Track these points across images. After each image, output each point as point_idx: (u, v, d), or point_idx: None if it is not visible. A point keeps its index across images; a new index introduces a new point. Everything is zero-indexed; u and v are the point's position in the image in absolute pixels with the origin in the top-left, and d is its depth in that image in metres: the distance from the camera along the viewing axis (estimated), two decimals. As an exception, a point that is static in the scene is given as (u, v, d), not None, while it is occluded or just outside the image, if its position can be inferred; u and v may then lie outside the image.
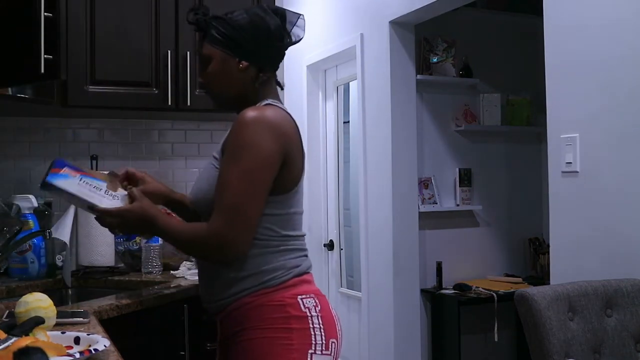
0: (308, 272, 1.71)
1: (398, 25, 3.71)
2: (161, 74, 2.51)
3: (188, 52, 2.54)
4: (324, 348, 1.62)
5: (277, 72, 1.77)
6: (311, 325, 1.61)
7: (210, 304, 1.71)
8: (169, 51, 2.51)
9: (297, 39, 1.75)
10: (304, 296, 1.64)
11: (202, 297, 1.76)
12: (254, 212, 1.57)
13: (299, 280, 1.66)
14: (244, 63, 1.67)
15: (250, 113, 1.58)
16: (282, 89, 1.81)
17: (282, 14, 1.72)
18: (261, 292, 1.62)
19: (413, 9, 3.50)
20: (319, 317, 1.63)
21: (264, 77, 1.70)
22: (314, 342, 1.61)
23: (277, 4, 2.75)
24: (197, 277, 2.34)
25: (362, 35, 3.95)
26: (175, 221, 1.69)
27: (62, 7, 2.34)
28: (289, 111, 1.71)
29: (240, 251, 1.58)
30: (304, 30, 1.75)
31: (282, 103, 1.73)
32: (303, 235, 1.74)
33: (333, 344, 1.64)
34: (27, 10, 2.08)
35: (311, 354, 1.60)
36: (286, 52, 1.76)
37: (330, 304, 1.73)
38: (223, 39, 1.66)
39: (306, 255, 1.74)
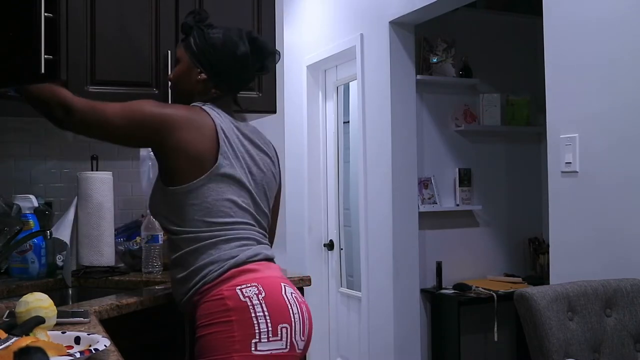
0: (250, 262, 1.73)
1: (398, 25, 3.71)
2: (161, 74, 2.51)
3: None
4: (270, 335, 1.62)
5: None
6: (253, 314, 1.63)
7: (178, 306, 1.85)
8: (169, 51, 2.51)
9: (266, 71, 1.94)
10: (243, 286, 1.67)
11: (174, 299, 1.89)
12: (102, 117, 1.73)
13: (237, 271, 1.69)
14: (203, 76, 1.84)
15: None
16: (239, 107, 1.96)
17: (260, 45, 1.86)
18: (203, 288, 1.70)
19: (413, 9, 3.50)
20: (262, 304, 1.64)
21: (214, 94, 1.85)
22: (257, 330, 1.62)
23: (277, 4, 2.74)
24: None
25: (362, 35, 3.95)
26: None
27: (62, 7, 2.34)
28: (215, 114, 1.80)
29: (71, 122, 1.74)
30: (273, 65, 1.96)
31: (217, 110, 1.83)
32: (243, 223, 1.77)
33: (284, 329, 1.65)
34: (27, 10, 2.08)
35: (255, 342, 1.61)
36: (251, 79, 1.95)
37: (286, 289, 1.73)
38: (195, 48, 1.84)
39: (249, 245, 1.76)
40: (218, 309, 1.66)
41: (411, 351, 3.79)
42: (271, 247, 1.97)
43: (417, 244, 3.81)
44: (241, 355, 1.61)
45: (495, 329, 3.68)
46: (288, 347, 1.65)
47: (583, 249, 2.37)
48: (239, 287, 1.66)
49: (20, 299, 1.40)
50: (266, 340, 1.62)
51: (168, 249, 1.86)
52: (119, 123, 1.73)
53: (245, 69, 1.86)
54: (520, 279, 4.01)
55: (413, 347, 3.80)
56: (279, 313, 1.65)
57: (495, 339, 3.71)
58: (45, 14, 1.95)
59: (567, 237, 2.45)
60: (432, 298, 3.92)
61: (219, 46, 1.82)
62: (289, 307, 1.69)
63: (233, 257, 1.71)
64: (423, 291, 3.90)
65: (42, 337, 1.22)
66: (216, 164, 1.74)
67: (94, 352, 1.19)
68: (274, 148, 2.03)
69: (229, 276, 1.69)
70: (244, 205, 1.78)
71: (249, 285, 1.67)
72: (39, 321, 1.28)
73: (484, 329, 3.93)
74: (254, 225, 1.81)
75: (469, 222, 4.15)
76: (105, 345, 1.23)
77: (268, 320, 1.63)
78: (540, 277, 3.98)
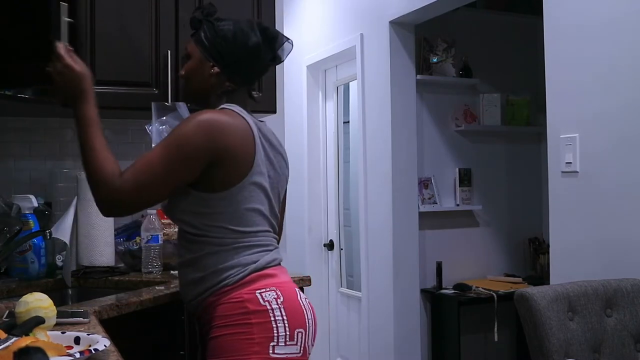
0: (269, 267, 1.74)
1: (398, 25, 3.71)
2: (161, 74, 2.51)
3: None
4: (288, 339, 1.65)
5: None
6: (272, 318, 1.64)
7: (188, 306, 1.83)
8: (169, 51, 2.51)
9: (279, 61, 1.89)
10: (263, 290, 1.68)
11: (183, 299, 1.87)
12: (152, 188, 1.64)
13: (257, 276, 1.70)
14: (215, 69, 1.79)
15: (200, 115, 1.69)
16: (254, 99, 1.94)
17: (271, 35, 1.83)
18: (221, 290, 1.70)
19: (413, 9, 3.50)
20: (281, 309, 1.66)
21: (229, 87, 1.81)
22: (276, 334, 1.64)
23: (277, 4, 2.74)
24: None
25: (362, 35, 3.95)
26: (105, 143, 1.71)
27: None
28: (246, 115, 1.77)
29: (118, 210, 1.68)
30: (287, 54, 1.88)
31: (244, 111, 1.80)
32: (264, 231, 1.77)
33: (299, 334, 1.67)
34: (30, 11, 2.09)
35: (273, 346, 1.63)
36: (264, 70, 1.89)
37: (300, 294, 1.76)
38: (205, 41, 1.79)
39: (268, 250, 1.76)
40: (238, 311, 1.66)
41: (411, 351, 3.79)
42: None
43: (417, 244, 3.81)
44: (259, 357, 1.62)
45: (495, 329, 3.67)
46: (301, 351, 1.68)
47: (583, 249, 2.37)
48: (259, 291, 1.67)
49: (20, 299, 1.40)
50: (283, 344, 1.64)
51: (180, 250, 1.82)
52: (170, 166, 1.65)
53: (258, 60, 1.82)
54: (520, 279, 4.01)
55: (413, 347, 3.80)
56: (296, 318, 1.68)
57: (495, 339, 3.71)
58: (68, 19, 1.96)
59: (567, 237, 2.45)
60: (432, 298, 3.92)
61: (230, 38, 1.78)
62: (305, 312, 1.71)
63: (254, 262, 1.71)
64: (423, 291, 3.89)
65: (42, 337, 1.22)
66: (251, 171, 1.71)
67: (93, 352, 1.19)
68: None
69: (249, 280, 1.69)
70: (265, 213, 1.78)
71: (268, 289, 1.68)
72: (38, 321, 1.28)
73: (484, 329, 3.93)
74: (270, 232, 1.81)
75: (469, 222, 4.15)
76: (105, 346, 1.23)
77: (286, 325, 1.65)
78: (540, 277, 3.98)
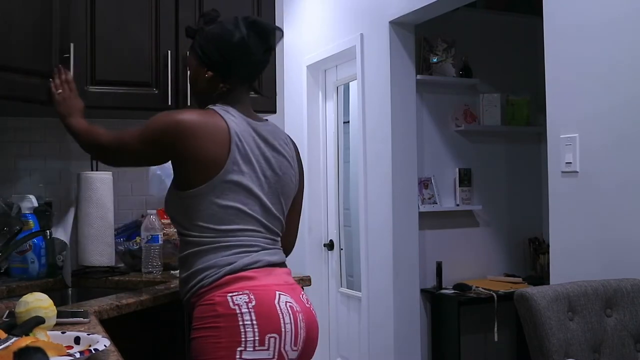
0: (248, 269, 1.71)
1: (398, 25, 3.71)
2: (161, 74, 2.51)
3: (188, 52, 2.53)
4: (257, 344, 1.61)
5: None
6: (241, 322, 1.62)
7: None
8: (169, 51, 2.51)
9: (272, 51, 1.89)
10: (234, 293, 1.66)
11: None
12: (124, 151, 1.91)
13: (232, 278, 1.69)
14: (209, 73, 1.84)
15: (170, 115, 1.81)
16: (258, 94, 2.04)
17: (260, 26, 1.82)
18: (199, 292, 1.72)
19: (413, 9, 3.50)
20: (251, 313, 1.63)
21: (223, 89, 1.84)
22: (243, 339, 1.61)
23: (277, 4, 2.74)
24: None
25: (362, 35, 3.95)
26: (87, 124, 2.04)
27: (67, 6, 2.34)
28: (228, 117, 1.78)
29: (102, 158, 2.05)
30: (277, 41, 1.90)
31: (242, 112, 1.83)
32: (247, 230, 1.76)
33: (272, 339, 1.63)
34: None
35: (240, 350, 1.61)
36: (262, 62, 1.88)
37: (281, 298, 1.70)
38: (198, 50, 1.85)
39: (249, 252, 1.74)
40: (209, 313, 1.67)
41: (411, 351, 3.79)
42: (292, 249, 2.02)
43: (417, 244, 3.81)
44: None
45: (495, 329, 3.67)
46: (276, 356, 1.64)
47: (583, 248, 2.37)
48: (230, 294, 1.66)
49: (20, 299, 1.40)
50: (252, 349, 1.61)
51: (178, 249, 1.90)
52: (139, 147, 1.83)
53: (248, 55, 1.81)
54: (520, 279, 4.01)
55: (413, 347, 3.80)
56: (268, 322, 1.64)
57: (495, 339, 3.71)
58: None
59: (567, 237, 2.45)
60: (432, 298, 3.92)
61: (215, 40, 1.81)
62: (281, 316, 1.66)
63: (230, 264, 1.71)
64: (423, 291, 3.89)
65: (42, 337, 1.22)
66: (223, 170, 1.73)
67: (93, 352, 1.19)
68: (295, 147, 2.01)
69: (223, 282, 1.69)
70: (250, 212, 1.77)
71: (241, 293, 1.67)
72: (38, 321, 1.28)
73: (484, 329, 3.93)
74: (260, 232, 1.79)
75: (469, 222, 4.15)
76: (105, 345, 1.23)
77: (255, 330, 1.62)
78: (540, 277, 3.98)
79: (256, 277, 1.72)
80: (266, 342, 1.63)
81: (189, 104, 2.55)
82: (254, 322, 1.63)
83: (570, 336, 1.91)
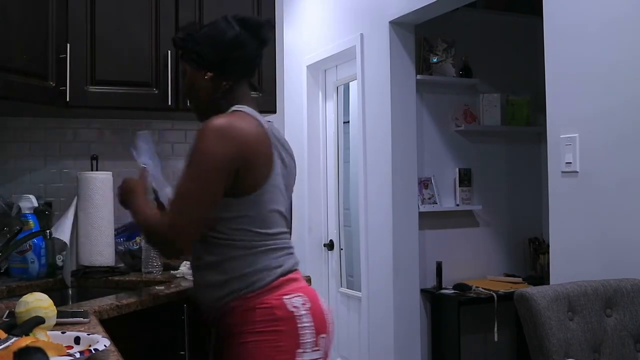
0: (293, 270, 1.72)
1: (398, 25, 3.71)
2: (161, 74, 2.51)
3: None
4: (313, 345, 1.62)
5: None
6: (299, 325, 1.62)
7: (205, 308, 1.78)
8: (169, 51, 2.51)
9: (266, 44, 1.86)
10: (290, 296, 1.65)
11: (198, 301, 1.82)
12: (198, 211, 1.65)
13: (284, 280, 1.67)
14: (208, 74, 1.79)
15: (212, 121, 1.68)
16: (256, 90, 1.96)
17: (251, 22, 1.82)
18: (248, 295, 1.66)
19: (413, 9, 3.50)
20: (308, 315, 1.64)
21: (227, 86, 1.80)
22: (302, 341, 1.62)
23: (277, 4, 2.74)
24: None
25: (362, 35, 3.95)
26: (148, 207, 1.81)
27: (63, 7, 2.34)
28: (257, 116, 1.77)
29: (183, 245, 1.67)
30: (272, 35, 1.93)
31: (252, 108, 1.80)
32: (284, 233, 1.76)
33: (323, 339, 1.65)
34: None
35: (300, 353, 1.61)
36: (257, 56, 1.86)
37: (319, 297, 1.74)
38: (190, 54, 1.81)
39: (291, 253, 1.75)
40: (265, 317, 1.63)
41: (411, 351, 3.79)
42: None
43: (417, 244, 3.81)
44: None
45: (495, 329, 3.67)
46: (323, 356, 1.67)
47: (583, 248, 2.37)
48: (286, 297, 1.65)
49: (20, 299, 1.40)
50: (310, 350, 1.62)
51: (199, 252, 1.76)
52: (207, 186, 1.66)
53: (244, 50, 1.80)
54: (520, 279, 4.01)
55: (413, 347, 3.80)
56: (320, 323, 1.66)
57: (495, 339, 3.71)
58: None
59: (567, 237, 2.45)
60: (432, 298, 3.92)
61: (209, 40, 1.79)
62: (327, 317, 1.70)
63: (280, 266, 1.69)
64: (423, 291, 3.89)
65: (42, 337, 1.22)
66: (273, 172, 1.70)
67: (93, 352, 1.19)
68: None
69: (276, 285, 1.66)
70: (284, 213, 1.76)
71: (295, 295, 1.66)
72: (38, 321, 1.28)
73: (484, 329, 3.93)
74: (289, 233, 1.79)
75: (469, 222, 4.15)
76: (105, 345, 1.23)
77: (312, 331, 1.63)
78: (540, 277, 3.98)
79: (299, 278, 1.73)
80: (319, 342, 1.64)
81: (188, 104, 2.55)
82: (311, 324, 1.63)
83: (570, 336, 1.91)
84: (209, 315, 1.78)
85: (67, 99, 2.35)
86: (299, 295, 1.66)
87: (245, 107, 1.77)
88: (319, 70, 4.65)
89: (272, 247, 1.70)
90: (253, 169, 1.67)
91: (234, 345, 1.66)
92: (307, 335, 1.62)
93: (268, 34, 1.86)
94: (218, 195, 1.66)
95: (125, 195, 1.85)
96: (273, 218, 1.72)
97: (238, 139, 1.66)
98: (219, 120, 1.68)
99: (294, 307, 1.63)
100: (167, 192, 1.90)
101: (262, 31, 1.83)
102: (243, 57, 1.81)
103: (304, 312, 1.64)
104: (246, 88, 1.86)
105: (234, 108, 1.76)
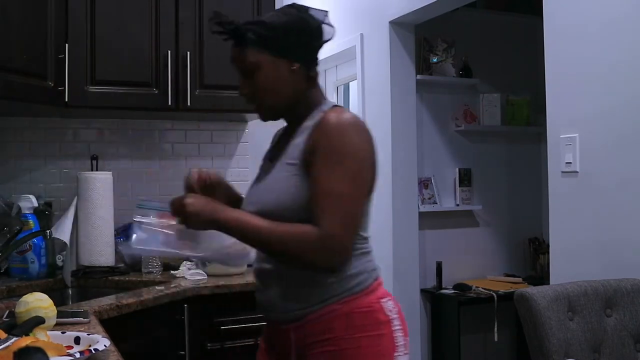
0: (379, 274, 1.66)
1: (398, 25, 3.71)
2: (161, 74, 2.51)
3: (188, 52, 2.54)
4: (404, 349, 1.60)
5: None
6: (394, 328, 1.58)
7: (282, 313, 1.58)
8: (169, 51, 2.51)
9: (330, 37, 1.66)
10: (385, 299, 1.60)
11: (267, 306, 1.61)
12: (360, 216, 1.51)
13: (377, 284, 1.61)
14: (296, 65, 1.57)
15: (343, 116, 1.51)
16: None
17: (311, 11, 1.65)
18: (348, 298, 1.54)
19: (413, 9, 3.50)
20: (398, 319, 1.60)
21: (313, 78, 1.63)
22: (398, 344, 1.58)
23: (277, 4, 2.74)
24: (197, 278, 2.35)
25: (362, 35, 3.95)
26: (263, 219, 1.49)
27: (62, 7, 2.34)
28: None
29: (349, 257, 1.50)
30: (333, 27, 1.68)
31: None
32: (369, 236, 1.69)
33: (406, 342, 1.63)
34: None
35: (397, 356, 1.57)
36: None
37: None
38: (270, 42, 1.54)
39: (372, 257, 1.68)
40: (368, 321, 1.55)
41: (411, 351, 3.75)
42: None
43: (417, 244, 3.81)
44: None
45: (495, 329, 3.67)
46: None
47: (583, 248, 2.37)
48: (383, 300, 1.59)
49: (20, 299, 1.40)
50: (402, 354, 1.59)
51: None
52: (365, 185, 1.53)
53: (322, 39, 1.64)
54: (520, 279, 4.01)
55: (413, 347, 3.80)
56: (405, 327, 1.63)
57: (495, 339, 3.71)
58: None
59: (567, 237, 2.45)
60: (432, 298, 3.92)
61: (294, 27, 1.57)
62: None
63: (375, 269, 1.62)
64: (423, 291, 3.89)
65: (42, 337, 1.22)
66: (377, 174, 1.61)
67: (93, 352, 1.19)
68: None
69: (373, 288, 1.59)
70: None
71: (388, 299, 1.61)
72: (38, 321, 1.28)
73: (484, 329, 3.93)
74: None
75: (469, 222, 4.15)
76: (105, 345, 1.23)
77: (402, 334, 1.60)
78: (540, 277, 3.98)
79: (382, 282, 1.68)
80: (407, 345, 1.62)
81: (188, 104, 2.55)
82: (401, 327, 1.60)
83: (570, 336, 1.91)
84: (287, 321, 1.58)
85: (67, 99, 2.35)
86: (390, 299, 1.62)
87: (332, 102, 1.64)
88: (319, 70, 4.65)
89: (368, 250, 1.62)
90: (376, 167, 1.59)
91: (328, 352, 1.54)
92: (400, 339, 1.59)
93: (330, 27, 1.67)
94: (368, 197, 1.54)
95: (208, 217, 1.48)
96: (368, 221, 1.63)
97: (371, 136, 1.53)
98: (348, 115, 1.53)
99: (389, 310, 1.59)
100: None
101: (327, 20, 1.67)
102: (320, 46, 1.65)
103: (395, 315, 1.60)
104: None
105: (332, 103, 1.61)
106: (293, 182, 1.51)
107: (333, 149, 1.47)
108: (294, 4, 1.63)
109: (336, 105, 1.60)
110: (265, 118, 1.63)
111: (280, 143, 1.65)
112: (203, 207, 1.48)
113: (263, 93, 1.57)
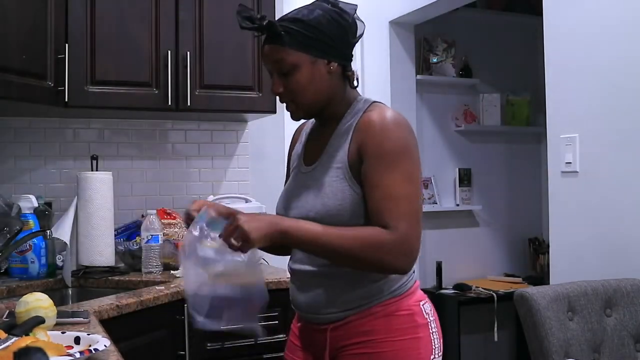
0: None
1: (398, 25, 3.71)
2: (161, 74, 2.51)
3: (188, 52, 2.54)
4: (439, 351, 1.59)
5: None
6: (431, 331, 1.58)
7: (323, 315, 1.55)
8: (169, 51, 2.51)
9: (362, 32, 1.61)
10: (423, 302, 1.60)
11: (306, 307, 1.58)
12: (420, 213, 1.48)
13: (416, 286, 1.61)
14: (334, 64, 1.52)
15: (386, 115, 1.48)
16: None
17: (345, 7, 1.58)
18: (389, 301, 1.54)
19: (413, 9, 3.50)
20: (435, 322, 1.60)
21: (351, 76, 1.58)
22: (434, 347, 1.57)
23: (277, 4, 2.74)
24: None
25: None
26: (318, 225, 1.44)
27: (62, 7, 2.34)
28: None
29: (417, 254, 1.47)
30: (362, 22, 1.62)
31: None
32: None
33: (441, 345, 1.62)
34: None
35: (433, 359, 1.57)
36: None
37: None
38: (311, 42, 1.49)
39: None
40: (407, 324, 1.54)
41: (411, 351, 3.79)
42: None
43: (417, 244, 3.80)
44: None
45: (495, 329, 3.67)
46: None
47: (583, 249, 2.37)
48: (421, 303, 1.59)
49: (20, 299, 1.40)
50: (438, 356, 1.58)
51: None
52: (418, 178, 1.50)
53: (356, 34, 1.59)
54: (520, 279, 4.01)
55: (413, 347, 3.80)
56: (439, 329, 1.62)
57: (495, 339, 3.71)
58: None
59: (567, 237, 2.45)
60: (432, 298, 3.89)
61: (331, 25, 1.51)
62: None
63: (413, 271, 1.59)
64: (423, 291, 3.88)
65: (42, 337, 1.22)
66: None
67: (93, 352, 1.19)
68: None
69: (412, 290, 1.59)
70: None
71: (426, 301, 1.61)
72: (38, 321, 1.28)
73: (484, 329, 3.93)
74: None
75: (469, 222, 4.15)
76: (105, 345, 1.23)
77: (438, 337, 1.60)
78: (540, 277, 3.98)
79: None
80: (441, 347, 1.61)
81: (188, 104, 2.56)
82: (438, 330, 1.60)
83: (570, 336, 1.91)
84: (325, 323, 1.55)
85: (66, 99, 2.35)
86: (428, 302, 1.61)
87: (364, 97, 1.60)
88: (319, 70, 4.65)
89: None
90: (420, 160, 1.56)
91: (365, 355, 1.52)
92: (436, 341, 1.58)
93: (360, 22, 1.62)
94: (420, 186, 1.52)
95: (271, 229, 1.39)
96: None
97: (412, 129, 1.51)
98: (390, 113, 1.49)
99: (427, 313, 1.58)
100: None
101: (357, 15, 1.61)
102: (356, 43, 1.61)
103: (432, 318, 1.59)
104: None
105: (370, 100, 1.56)
106: (341, 186, 1.48)
107: (385, 151, 1.45)
108: (322, 1, 1.54)
109: (375, 102, 1.56)
110: (297, 118, 1.58)
111: (314, 143, 1.61)
112: (258, 220, 1.39)
113: (300, 93, 1.51)
